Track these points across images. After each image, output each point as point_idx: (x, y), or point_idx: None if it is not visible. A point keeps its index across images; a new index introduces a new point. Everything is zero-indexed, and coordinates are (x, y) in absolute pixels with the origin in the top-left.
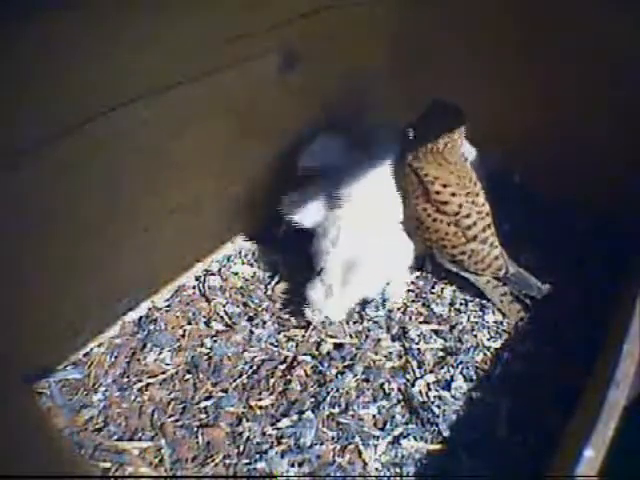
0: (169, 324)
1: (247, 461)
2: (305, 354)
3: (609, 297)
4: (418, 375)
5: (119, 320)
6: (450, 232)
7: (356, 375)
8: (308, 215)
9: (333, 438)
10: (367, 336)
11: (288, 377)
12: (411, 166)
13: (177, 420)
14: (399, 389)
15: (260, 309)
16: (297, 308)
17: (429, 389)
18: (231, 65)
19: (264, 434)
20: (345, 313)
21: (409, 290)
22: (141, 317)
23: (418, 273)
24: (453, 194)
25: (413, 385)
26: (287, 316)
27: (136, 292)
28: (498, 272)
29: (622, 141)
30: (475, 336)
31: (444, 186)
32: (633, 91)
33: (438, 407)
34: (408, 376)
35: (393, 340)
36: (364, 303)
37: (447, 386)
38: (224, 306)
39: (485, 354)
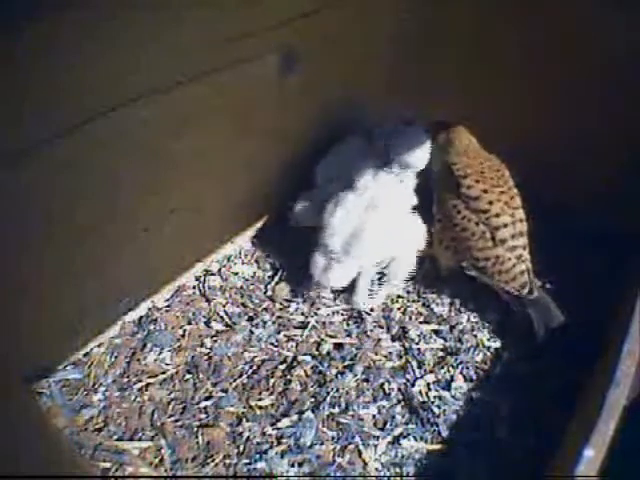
0: (169, 324)
1: (247, 461)
2: (305, 354)
3: (609, 297)
4: (418, 375)
5: (119, 320)
6: (477, 232)
7: (356, 375)
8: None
9: (333, 438)
10: (367, 336)
11: (288, 377)
12: (446, 162)
13: (177, 420)
14: (399, 389)
15: (260, 309)
16: (297, 308)
17: (429, 389)
18: (231, 65)
19: (264, 434)
20: (346, 281)
21: (409, 291)
22: (141, 317)
23: (418, 273)
24: (485, 190)
25: (413, 385)
26: (287, 316)
27: (136, 292)
28: (521, 289)
29: (621, 141)
30: (475, 336)
31: (476, 181)
32: (632, 92)
33: (438, 407)
34: (408, 376)
35: (393, 340)
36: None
37: (447, 386)
38: (224, 306)
39: (485, 354)
